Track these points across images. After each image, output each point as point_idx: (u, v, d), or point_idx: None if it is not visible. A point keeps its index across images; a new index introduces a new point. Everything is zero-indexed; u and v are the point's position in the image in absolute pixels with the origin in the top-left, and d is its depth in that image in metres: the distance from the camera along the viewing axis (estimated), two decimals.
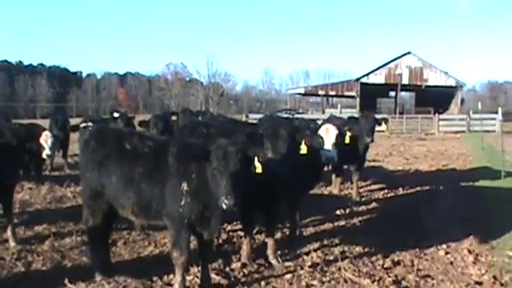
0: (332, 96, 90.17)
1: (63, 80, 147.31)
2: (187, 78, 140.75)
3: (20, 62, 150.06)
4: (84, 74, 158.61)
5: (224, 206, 7.13)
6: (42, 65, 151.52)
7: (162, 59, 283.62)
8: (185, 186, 7.66)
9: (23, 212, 13.20)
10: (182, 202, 7.67)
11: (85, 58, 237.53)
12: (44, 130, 12.56)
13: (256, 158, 7.81)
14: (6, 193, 11.14)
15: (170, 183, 7.82)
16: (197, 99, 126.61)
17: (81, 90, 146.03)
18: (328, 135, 10.50)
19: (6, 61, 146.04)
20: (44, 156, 11.92)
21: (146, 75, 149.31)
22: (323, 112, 66.27)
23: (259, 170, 7.81)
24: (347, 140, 12.09)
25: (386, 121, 17.27)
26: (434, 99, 78.17)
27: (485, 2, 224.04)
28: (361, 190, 16.69)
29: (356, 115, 18.35)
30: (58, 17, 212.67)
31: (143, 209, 8.18)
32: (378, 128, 16.33)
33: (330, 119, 17.35)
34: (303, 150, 10.16)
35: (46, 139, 11.58)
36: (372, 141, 15.61)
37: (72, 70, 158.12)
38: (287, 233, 11.60)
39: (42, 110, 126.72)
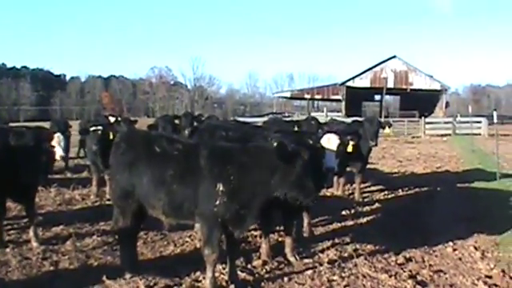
0: (318, 100, 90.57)
1: (47, 83, 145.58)
2: (172, 82, 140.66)
3: (3, 64, 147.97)
4: (68, 77, 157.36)
5: (307, 201, 7.99)
6: (25, 67, 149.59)
7: (146, 62, 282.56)
8: (220, 186, 8.05)
9: (36, 214, 13.38)
10: (217, 202, 8.04)
11: (68, 61, 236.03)
12: (54, 132, 12.80)
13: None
14: (28, 195, 11.44)
15: (203, 184, 8.18)
16: (181, 103, 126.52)
17: (65, 93, 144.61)
18: (330, 145, 10.63)
19: None
20: (58, 157, 12.19)
21: (130, 78, 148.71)
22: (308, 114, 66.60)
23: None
24: (350, 149, 12.12)
25: (390, 125, 17.74)
26: (419, 102, 78.92)
27: (467, 6, 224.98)
28: (361, 192, 17.04)
29: (343, 119, 18.69)
30: (41, 18, 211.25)
31: (175, 209, 8.53)
32: (382, 131, 16.84)
33: (332, 124, 17.82)
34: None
35: (58, 141, 11.86)
36: (376, 144, 16.08)
37: (56, 72, 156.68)
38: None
39: (26, 113, 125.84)
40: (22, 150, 10.95)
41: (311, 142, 10.17)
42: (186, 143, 9.05)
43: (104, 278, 8.85)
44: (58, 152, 11.97)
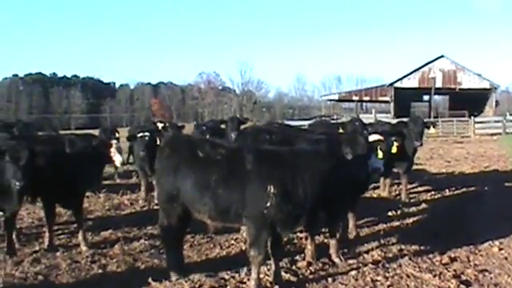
0: (366, 101, 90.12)
1: (97, 91, 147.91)
2: (220, 87, 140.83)
3: (54, 73, 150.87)
4: (117, 85, 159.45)
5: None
6: (75, 76, 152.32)
7: (194, 68, 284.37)
8: (271, 188, 8.20)
9: (86, 219, 13.69)
10: (268, 204, 8.20)
11: (118, 69, 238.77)
12: (111, 139, 13.02)
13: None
14: (77, 200, 11.75)
15: (251, 187, 8.34)
16: (230, 107, 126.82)
17: (114, 100, 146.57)
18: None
19: (40, 73, 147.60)
20: (118, 164, 12.39)
21: (179, 85, 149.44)
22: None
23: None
24: (394, 150, 12.21)
25: (434, 124, 17.65)
26: (468, 102, 77.81)
27: None
28: (408, 192, 16.98)
29: (391, 120, 18.66)
30: (91, 29, 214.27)
31: (221, 213, 8.68)
32: (427, 131, 16.75)
33: (376, 125, 17.79)
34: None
35: (116, 148, 12.06)
36: (421, 144, 16.00)
37: (105, 80, 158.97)
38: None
39: (77, 121, 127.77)
40: (73, 157, 11.30)
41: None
42: (229, 147, 9.19)
43: (150, 280, 9.05)
44: (118, 159, 12.16)
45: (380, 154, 10.17)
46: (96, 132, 19.99)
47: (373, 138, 10.37)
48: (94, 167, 11.60)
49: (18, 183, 9.68)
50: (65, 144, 11.65)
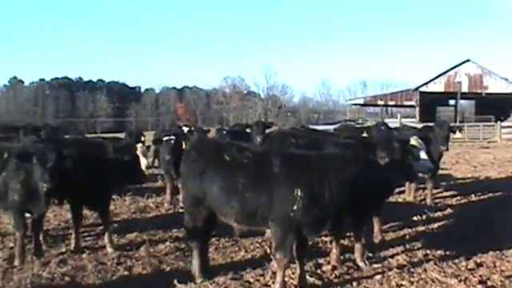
0: (391, 106, 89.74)
1: (122, 95, 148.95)
2: (245, 91, 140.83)
3: (80, 78, 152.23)
4: (142, 89, 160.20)
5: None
6: (101, 80, 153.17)
7: (219, 73, 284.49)
8: (298, 192, 8.27)
9: (111, 221, 13.77)
10: (295, 207, 8.27)
11: (143, 73, 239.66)
12: (136, 142, 13.12)
13: None
14: (103, 203, 11.93)
15: (278, 191, 8.42)
16: (255, 112, 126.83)
17: (140, 104, 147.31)
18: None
19: (66, 77, 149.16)
20: (143, 167, 12.48)
21: (204, 89, 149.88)
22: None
23: None
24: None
25: (460, 129, 17.61)
26: (495, 106, 76.96)
27: None
28: (433, 197, 16.96)
29: (417, 125, 18.63)
30: (116, 33, 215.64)
31: (248, 216, 8.76)
32: (453, 136, 16.71)
33: (402, 129, 17.78)
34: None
35: (142, 151, 12.13)
36: (447, 149, 15.97)
37: (130, 85, 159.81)
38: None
39: (102, 125, 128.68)
40: (100, 161, 11.47)
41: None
42: (255, 151, 9.27)
43: (175, 282, 9.14)
44: (143, 162, 12.24)
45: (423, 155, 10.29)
46: (122, 136, 20.11)
47: (414, 141, 10.48)
48: (122, 170, 11.66)
49: (45, 185, 9.82)
50: (96, 147, 11.84)
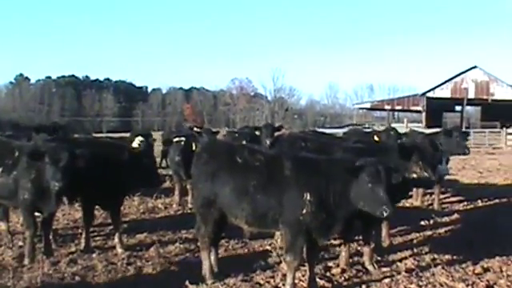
0: (398, 110, 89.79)
1: (129, 95, 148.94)
2: (252, 93, 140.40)
3: (87, 76, 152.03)
4: (149, 89, 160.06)
5: (385, 214, 8.07)
6: (108, 80, 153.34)
7: (227, 74, 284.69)
8: (308, 196, 8.34)
9: (121, 221, 13.85)
10: (304, 211, 8.34)
11: (150, 73, 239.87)
12: (136, 136, 13.13)
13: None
14: (115, 203, 11.97)
15: (288, 194, 8.48)
16: (262, 114, 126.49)
17: (146, 104, 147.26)
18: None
19: (73, 76, 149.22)
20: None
21: (211, 90, 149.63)
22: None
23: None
24: None
25: (467, 135, 17.72)
26: (501, 113, 76.92)
27: None
28: (441, 202, 17.03)
29: (423, 130, 18.70)
30: (123, 32, 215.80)
31: (258, 218, 8.82)
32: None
33: (411, 134, 17.84)
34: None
35: (138, 142, 12.14)
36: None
37: (137, 84, 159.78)
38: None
39: (109, 124, 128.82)
40: (117, 162, 11.46)
41: None
42: (267, 154, 9.35)
43: (186, 283, 9.18)
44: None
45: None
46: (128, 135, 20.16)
47: None
48: (134, 170, 11.69)
49: (56, 184, 9.87)
50: (114, 148, 11.94)
